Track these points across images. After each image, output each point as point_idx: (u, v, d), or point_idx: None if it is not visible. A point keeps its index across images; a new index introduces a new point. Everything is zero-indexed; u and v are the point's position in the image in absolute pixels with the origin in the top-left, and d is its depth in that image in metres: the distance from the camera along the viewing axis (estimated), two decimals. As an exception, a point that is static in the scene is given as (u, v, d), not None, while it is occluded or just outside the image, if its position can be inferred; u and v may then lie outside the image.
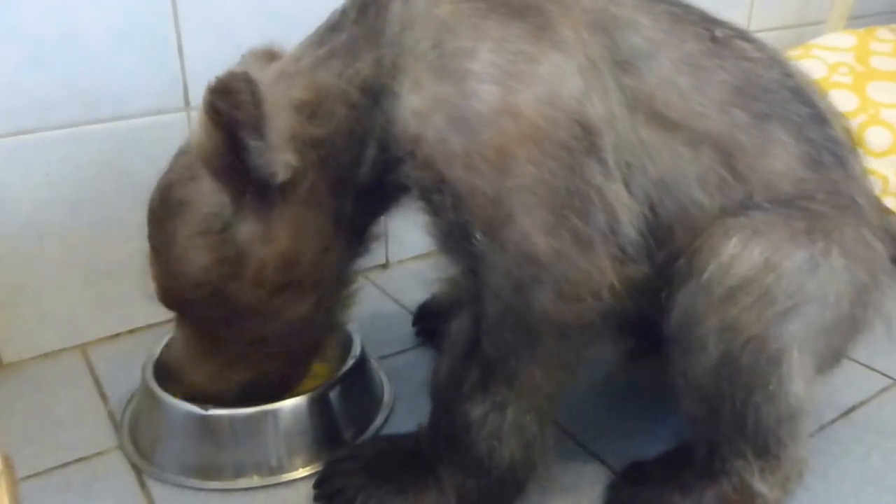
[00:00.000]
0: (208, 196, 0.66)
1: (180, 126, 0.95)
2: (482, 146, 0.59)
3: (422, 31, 0.62)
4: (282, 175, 0.64)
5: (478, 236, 0.61)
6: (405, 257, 1.19)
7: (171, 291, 0.71)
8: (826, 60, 1.30)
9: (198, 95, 0.74)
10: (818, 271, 0.62)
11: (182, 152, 0.70)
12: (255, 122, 0.61)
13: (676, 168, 0.63)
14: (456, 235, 0.62)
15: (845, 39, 1.35)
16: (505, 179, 0.59)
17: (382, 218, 0.78)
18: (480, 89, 0.60)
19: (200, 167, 0.66)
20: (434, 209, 0.64)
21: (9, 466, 0.45)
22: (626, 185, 0.62)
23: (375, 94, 0.64)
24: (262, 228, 0.66)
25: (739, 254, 0.61)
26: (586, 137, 0.60)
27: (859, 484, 0.73)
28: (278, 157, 0.63)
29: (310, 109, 0.65)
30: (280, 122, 0.63)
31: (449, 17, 0.62)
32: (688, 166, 0.64)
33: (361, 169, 0.68)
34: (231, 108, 0.60)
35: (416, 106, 0.61)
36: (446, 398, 0.67)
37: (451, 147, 0.60)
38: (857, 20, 1.51)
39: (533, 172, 0.59)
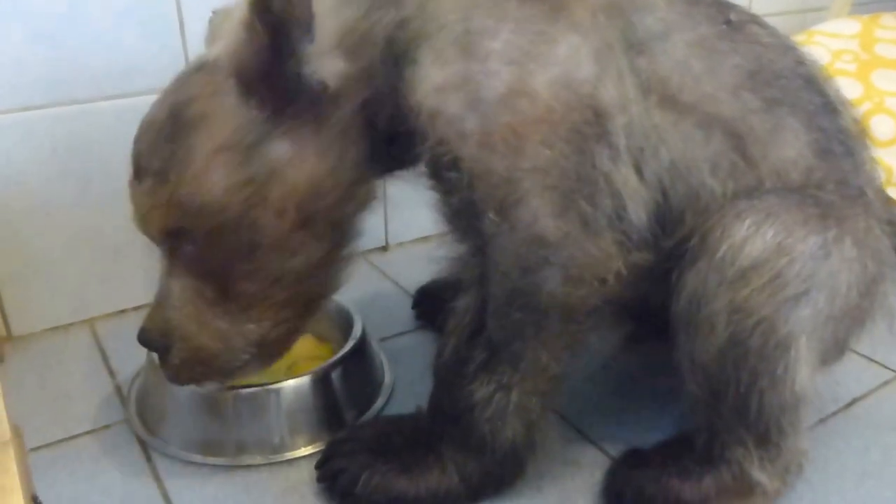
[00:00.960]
0: (235, 110, 0.61)
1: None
2: (498, 126, 0.59)
3: (449, 2, 0.62)
4: (332, 83, 0.61)
5: (491, 216, 0.61)
6: (405, 240, 1.20)
7: (185, 217, 0.63)
8: (829, 47, 1.28)
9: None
10: (830, 258, 0.62)
11: (190, 70, 0.65)
12: (308, 23, 0.57)
13: (688, 152, 0.63)
14: (466, 214, 0.63)
15: (849, 26, 1.33)
16: (518, 160, 0.59)
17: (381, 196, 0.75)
18: (501, 70, 0.59)
19: (227, 82, 0.61)
20: (446, 187, 0.63)
21: (18, 436, 0.47)
22: (639, 171, 0.62)
23: (397, 56, 0.63)
24: (295, 151, 0.62)
25: (753, 235, 0.60)
26: (598, 122, 0.60)
27: (859, 478, 0.73)
28: (330, 64, 0.60)
29: (348, 40, 0.62)
30: (332, 24, 0.60)
31: None
32: (700, 150, 0.63)
33: (379, 119, 0.65)
34: (283, 3, 0.56)
35: (437, 81, 0.60)
36: (450, 378, 0.68)
37: (467, 126, 0.60)
38: (862, 6, 1.48)
39: (546, 155, 0.59)
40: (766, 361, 0.61)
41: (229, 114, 0.61)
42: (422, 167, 0.68)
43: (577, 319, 0.64)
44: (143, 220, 0.65)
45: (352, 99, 0.63)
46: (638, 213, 0.62)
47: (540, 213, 0.60)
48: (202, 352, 0.67)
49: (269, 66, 0.59)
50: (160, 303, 0.68)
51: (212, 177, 0.61)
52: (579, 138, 0.60)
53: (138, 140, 0.65)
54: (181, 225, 0.63)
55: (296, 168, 0.62)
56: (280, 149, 0.62)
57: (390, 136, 0.66)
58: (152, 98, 0.93)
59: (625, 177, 0.61)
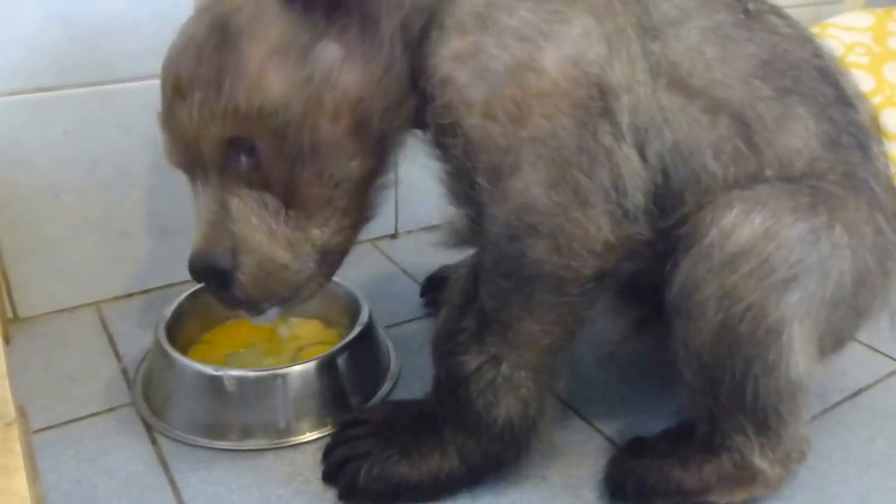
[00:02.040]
0: (281, 16, 0.61)
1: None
2: (502, 97, 0.60)
3: None
4: None
5: (483, 183, 0.62)
6: (414, 227, 1.20)
7: (242, 123, 0.61)
8: (843, 40, 1.28)
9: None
10: (819, 244, 0.62)
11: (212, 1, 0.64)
12: None
13: (692, 134, 0.64)
14: (462, 182, 0.64)
15: (863, 19, 1.33)
16: (517, 130, 0.60)
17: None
18: (512, 45, 0.60)
19: None
20: (445, 154, 0.64)
21: (23, 416, 0.47)
22: (641, 150, 0.63)
23: (424, 14, 0.64)
24: (344, 54, 0.62)
25: (741, 222, 0.61)
26: (602, 100, 0.61)
27: (864, 467, 0.74)
28: None
29: None
30: None
31: None
32: (704, 133, 0.64)
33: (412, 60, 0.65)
34: None
35: (455, 48, 0.61)
36: (444, 348, 0.69)
37: (473, 95, 0.61)
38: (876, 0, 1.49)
39: (545, 126, 0.60)
40: (759, 347, 0.62)
41: (276, 19, 0.61)
42: (428, 135, 0.68)
43: (568, 291, 0.64)
44: (194, 138, 0.63)
45: (395, 11, 0.63)
46: (635, 191, 0.63)
47: (532, 182, 0.61)
48: (272, 263, 0.65)
49: None
50: (213, 223, 0.65)
51: (268, 80, 0.60)
52: (582, 112, 0.61)
53: (176, 60, 0.63)
54: (241, 133, 0.62)
55: (346, 72, 0.62)
56: (330, 51, 0.62)
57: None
58: (162, 82, 0.95)
59: (626, 155, 0.62)
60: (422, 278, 1.03)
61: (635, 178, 0.63)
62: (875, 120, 0.72)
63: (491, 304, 0.65)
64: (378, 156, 0.67)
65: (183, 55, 0.63)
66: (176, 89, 0.63)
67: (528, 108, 0.60)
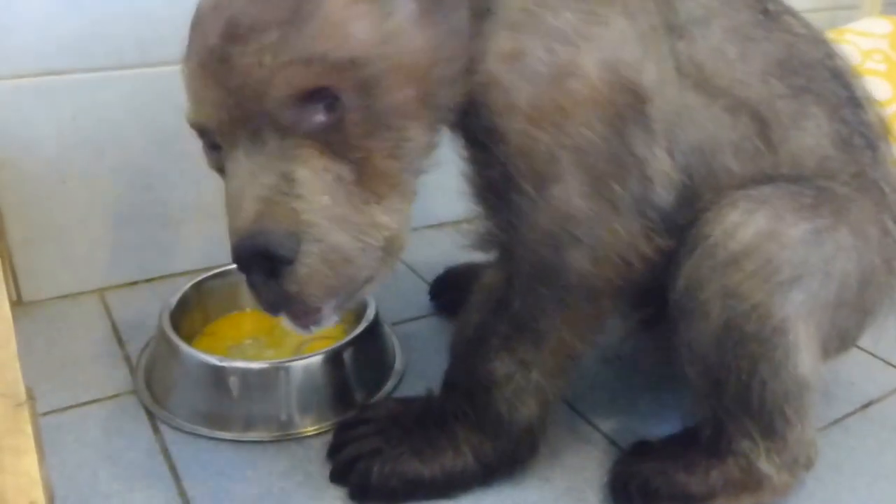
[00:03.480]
0: None
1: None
2: (546, 102, 0.60)
3: None
4: None
5: (525, 189, 0.61)
6: (420, 225, 1.19)
7: (324, 72, 0.53)
8: (860, 46, 1.28)
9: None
10: (823, 245, 0.62)
11: None
12: None
13: (715, 134, 0.64)
14: (501, 188, 0.63)
15: (880, 25, 1.32)
16: (560, 138, 0.60)
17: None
18: (557, 48, 0.60)
19: None
20: (486, 159, 0.63)
21: (31, 398, 0.47)
22: (670, 151, 0.63)
23: (486, 3, 0.61)
24: (420, 13, 0.56)
25: (744, 221, 0.61)
26: (637, 105, 0.61)
27: (873, 479, 0.73)
28: None
29: None
30: None
31: None
32: (726, 133, 0.64)
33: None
34: None
35: (503, 48, 0.60)
36: (472, 354, 0.68)
37: (517, 98, 0.60)
38: (893, 5, 1.47)
39: (585, 135, 0.60)
40: (764, 347, 0.62)
41: None
42: (461, 135, 0.67)
43: (602, 300, 0.65)
44: (258, 88, 0.52)
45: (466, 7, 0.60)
46: (667, 195, 0.63)
47: (573, 192, 0.61)
48: (339, 255, 0.55)
49: None
50: (269, 199, 0.54)
51: (354, 28, 0.53)
52: (619, 122, 0.61)
53: (225, 4, 0.54)
54: (328, 83, 0.53)
55: (420, 32, 0.56)
56: (408, 8, 0.56)
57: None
58: (171, 70, 0.93)
59: (659, 159, 0.62)
60: (428, 275, 1.03)
61: (667, 181, 0.63)
62: (883, 121, 0.72)
63: (526, 312, 0.65)
64: (431, 124, 0.60)
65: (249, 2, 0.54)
66: (231, 34, 0.53)
67: (569, 115, 0.60)
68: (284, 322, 0.59)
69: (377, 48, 0.54)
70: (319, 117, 0.54)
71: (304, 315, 0.58)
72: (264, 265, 0.54)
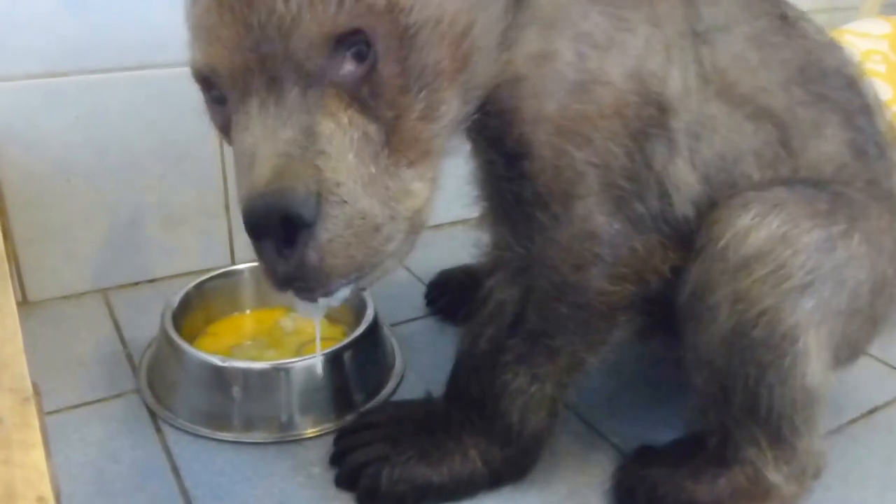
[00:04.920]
0: None
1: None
2: (575, 113, 0.59)
3: None
4: None
5: (554, 208, 0.60)
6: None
7: (363, 13, 0.47)
8: (858, 47, 1.27)
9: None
10: (836, 252, 0.61)
11: None
12: None
13: (737, 143, 0.64)
14: (525, 203, 0.62)
15: (879, 26, 1.31)
16: (588, 153, 0.59)
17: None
18: (587, 53, 0.59)
19: None
20: (508, 173, 0.61)
21: (37, 394, 0.47)
22: (692, 162, 0.63)
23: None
24: None
25: (757, 225, 0.60)
26: (661, 118, 0.61)
27: (882, 488, 0.73)
28: None
29: None
30: None
31: None
32: (748, 141, 0.64)
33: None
34: None
35: (533, 48, 0.59)
36: (484, 366, 0.68)
37: (546, 107, 0.59)
38: (892, 6, 1.46)
39: (609, 149, 0.60)
40: (773, 353, 0.61)
41: None
42: (479, 141, 0.64)
43: (618, 317, 0.64)
44: (284, 28, 0.47)
45: None
46: (686, 209, 0.62)
47: (595, 210, 0.61)
48: (364, 221, 0.49)
49: None
50: (289, 154, 0.47)
51: None
52: (643, 136, 0.60)
53: None
54: (364, 26, 0.48)
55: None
56: None
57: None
58: (174, 72, 0.95)
59: (680, 170, 0.62)
60: (427, 277, 1.03)
61: (687, 192, 0.62)
62: (893, 128, 0.71)
63: (543, 328, 0.65)
64: (465, 97, 0.56)
65: None
66: None
67: (597, 127, 0.59)
68: (292, 302, 0.53)
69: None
70: (349, 66, 0.48)
71: (313, 292, 0.51)
72: (280, 230, 0.47)
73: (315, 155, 0.47)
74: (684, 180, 0.62)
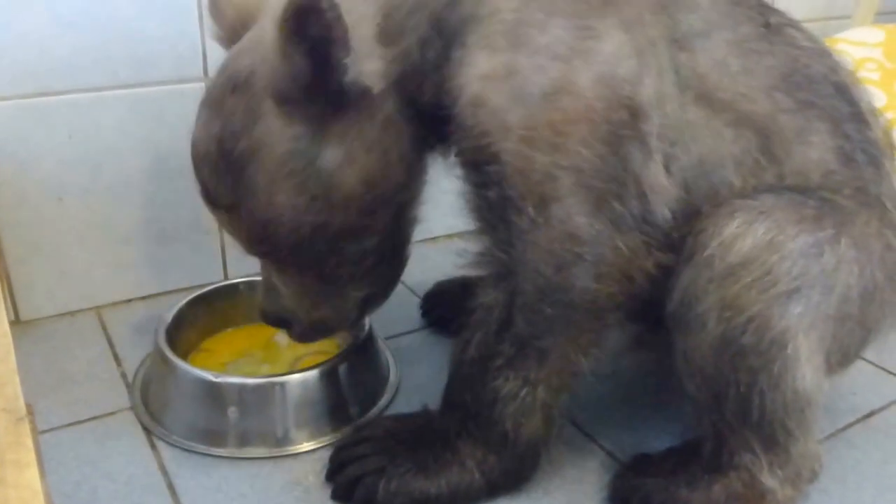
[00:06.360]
0: (281, 133, 0.62)
1: (199, 97, 0.95)
2: (541, 122, 0.60)
3: None
4: (376, 84, 0.62)
5: (530, 211, 0.61)
6: (414, 239, 1.19)
7: (266, 240, 0.67)
8: (853, 56, 1.28)
9: (216, 65, 0.75)
10: (823, 258, 0.61)
11: (225, 93, 0.64)
12: (344, 38, 0.58)
13: (716, 149, 0.64)
14: (500, 208, 0.63)
15: (873, 34, 1.32)
16: (558, 157, 0.60)
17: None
18: (547, 65, 0.60)
19: (265, 104, 0.62)
20: (483, 180, 0.63)
21: (31, 413, 0.47)
22: (667, 166, 0.63)
23: (446, 35, 0.63)
24: (346, 151, 0.63)
25: (743, 232, 0.61)
26: (633, 122, 0.61)
27: (879, 491, 0.73)
28: (370, 66, 0.61)
29: (385, 26, 0.63)
30: (364, 31, 0.61)
31: None
32: (727, 147, 0.64)
33: (422, 96, 0.65)
34: (320, 26, 0.56)
35: (484, 69, 0.61)
36: (475, 374, 0.68)
37: (510, 119, 0.60)
38: (886, 15, 1.48)
39: (582, 154, 0.60)
40: (763, 359, 0.61)
41: (277, 140, 0.62)
42: (453, 157, 0.68)
43: (606, 316, 0.65)
44: (233, 237, 0.70)
45: (393, 91, 0.64)
46: (664, 211, 0.63)
47: (574, 211, 0.61)
48: (319, 321, 0.75)
49: (308, 85, 0.60)
50: (270, 291, 0.74)
51: (278, 203, 0.64)
52: (615, 140, 0.61)
53: (198, 169, 0.68)
54: (264, 244, 0.68)
55: (350, 169, 0.64)
56: (332, 156, 0.63)
57: (431, 117, 0.66)
58: (167, 89, 0.95)
59: (655, 175, 0.62)
60: (421, 290, 1.03)
61: (664, 197, 0.62)
62: (888, 136, 0.71)
63: (530, 331, 0.65)
64: (397, 214, 0.70)
65: (201, 168, 0.67)
66: (206, 197, 0.69)
67: (566, 134, 0.60)
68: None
69: (303, 212, 0.64)
70: (272, 262, 0.72)
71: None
72: (280, 324, 0.78)
73: (279, 295, 0.74)
74: (659, 184, 0.62)
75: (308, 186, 0.63)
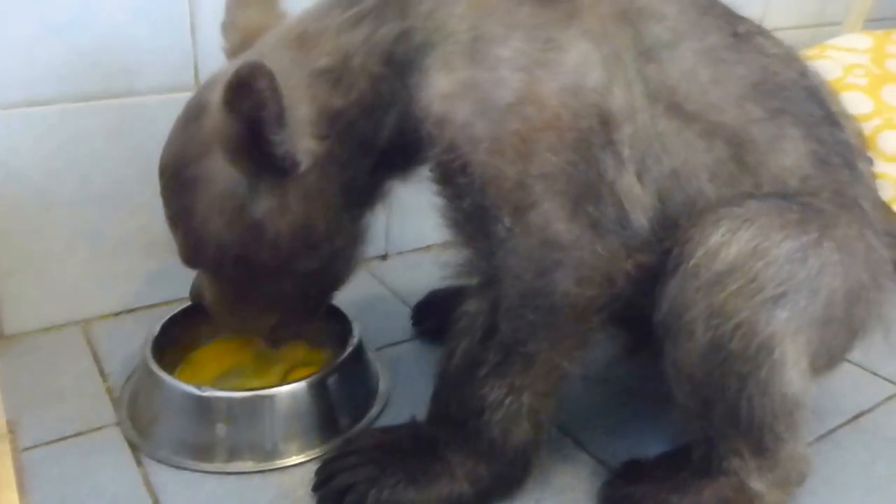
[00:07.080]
0: (222, 173, 0.66)
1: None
2: (507, 133, 0.60)
3: (458, 9, 0.63)
4: (304, 164, 0.65)
5: (506, 220, 0.62)
6: (404, 249, 1.20)
7: (194, 255, 0.73)
8: (841, 62, 1.29)
9: (208, 76, 0.75)
10: (808, 262, 0.62)
11: (191, 118, 0.69)
12: (277, 117, 0.61)
13: (689, 160, 0.64)
14: (476, 218, 0.63)
15: (862, 41, 1.34)
16: (528, 166, 0.61)
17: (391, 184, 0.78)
18: (509, 77, 0.61)
19: (215, 145, 0.66)
20: (456, 192, 0.64)
21: (12, 432, 0.46)
22: (640, 178, 0.63)
23: (399, 67, 0.65)
24: (279, 203, 0.67)
25: (728, 240, 0.61)
26: (604, 130, 0.61)
27: (866, 492, 0.73)
28: (301, 146, 0.65)
29: (333, 77, 0.66)
30: (301, 111, 0.64)
31: (486, 1, 0.63)
32: (700, 158, 0.64)
33: (382, 134, 0.68)
34: (252, 105, 0.60)
35: (444, 89, 0.61)
36: (461, 382, 0.68)
37: (476, 132, 0.61)
38: (875, 22, 1.49)
39: (553, 161, 0.61)
40: (750, 364, 0.62)
41: (218, 178, 0.67)
42: (428, 172, 0.68)
43: (589, 319, 0.65)
44: (179, 249, 0.74)
45: (327, 154, 0.67)
46: (640, 219, 0.63)
47: (552, 217, 0.61)
48: (231, 325, 0.82)
49: (246, 144, 0.64)
50: (201, 281, 0.80)
51: (211, 229, 0.68)
52: (585, 146, 0.61)
53: (160, 175, 0.71)
54: (193, 258, 0.73)
55: (280, 219, 0.68)
56: (263, 206, 0.67)
57: (395, 147, 0.68)
58: (157, 98, 0.94)
59: (628, 185, 0.63)
60: (412, 300, 1.02)
61: (638, 206, 0.63)
62: (861, 137, 0.72)
63: (515, 337, 0.65)
64: (330, 251, 0.72)
65: (161, 180, 0.71)
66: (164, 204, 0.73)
67: (533, 142, 0.60)
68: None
69: (231, 243, 0.69)
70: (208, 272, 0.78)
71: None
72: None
73: (205, 289, 0.80)
74: (633, 192, 0.63)
75: (237, 226, 0.68)
